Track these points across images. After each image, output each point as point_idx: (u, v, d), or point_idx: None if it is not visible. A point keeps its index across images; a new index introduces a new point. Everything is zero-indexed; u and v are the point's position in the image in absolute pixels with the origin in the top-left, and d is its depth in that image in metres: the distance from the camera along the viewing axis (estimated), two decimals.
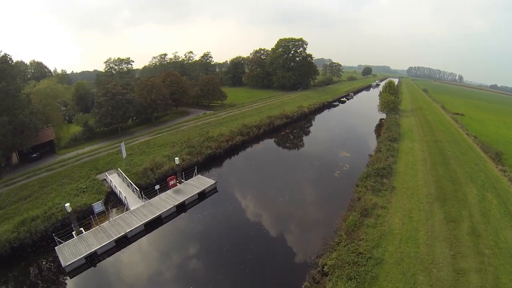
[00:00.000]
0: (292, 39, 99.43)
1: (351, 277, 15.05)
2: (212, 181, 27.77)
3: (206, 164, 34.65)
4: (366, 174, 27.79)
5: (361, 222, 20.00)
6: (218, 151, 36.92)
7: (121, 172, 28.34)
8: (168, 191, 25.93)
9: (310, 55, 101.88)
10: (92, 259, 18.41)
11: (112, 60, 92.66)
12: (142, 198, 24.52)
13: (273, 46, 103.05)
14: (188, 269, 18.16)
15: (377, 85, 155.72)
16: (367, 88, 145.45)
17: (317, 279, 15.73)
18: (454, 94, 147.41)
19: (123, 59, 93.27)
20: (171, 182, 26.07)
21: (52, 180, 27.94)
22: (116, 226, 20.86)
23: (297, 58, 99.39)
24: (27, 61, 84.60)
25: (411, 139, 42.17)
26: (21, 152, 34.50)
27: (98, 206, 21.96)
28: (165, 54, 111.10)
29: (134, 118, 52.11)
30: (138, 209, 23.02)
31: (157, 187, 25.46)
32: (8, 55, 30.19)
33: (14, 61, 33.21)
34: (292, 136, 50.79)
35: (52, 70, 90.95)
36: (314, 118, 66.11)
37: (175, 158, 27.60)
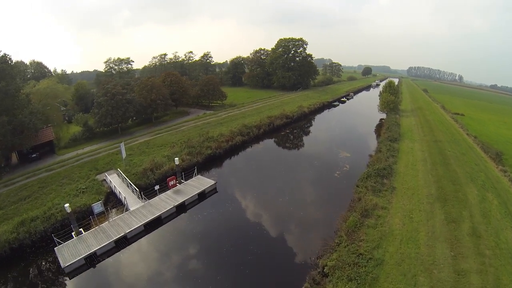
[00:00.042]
0: (292, 39, 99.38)
1: (352, 278, 15.00)
2: (212, 182, 27.72)
3: (206, 164, 34.60)
4: (366, 175, 27.73)
5: (361, 223, 19.95)
6: (218, 151, 36.87)
7: (120, 173, 28.28)
8: (168, 192, 25.88)
9: (310, 55, 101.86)
10: (92, 260, 18.36)
11: (112, 60, 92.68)
12: (142, 198, 24.46)
13: (273, 46, 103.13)
14: (188, 269, 18.10)
15: (377, 85, 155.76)
16: (367, 88, 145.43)
17: (317, 280, 15.68)
18: (454, 94, 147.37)
19: (123, 59, 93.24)
20: (171, 183, 26.01)
21: (52, 181, 27.88)
22: (115, 226, 20.81)
23: (297, 58, 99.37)
24: (27, 61, 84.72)
25: (411, 139, 42.12)
26: (21, 152, 34.43)
27: (97, 207, 21.91)
28: (165, 54, 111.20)
29: (134, 118, 52.04)
30: (137, 210, 22.96)
31: (156, 187, 25.42)
32: (8, 55, 30.14)
33: (13, 61, 33.16)
34: (292, 136, 50.74)
35: (52, 70, 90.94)
36: (314, 118, 66.06)
37: (175, 159, 27.55)
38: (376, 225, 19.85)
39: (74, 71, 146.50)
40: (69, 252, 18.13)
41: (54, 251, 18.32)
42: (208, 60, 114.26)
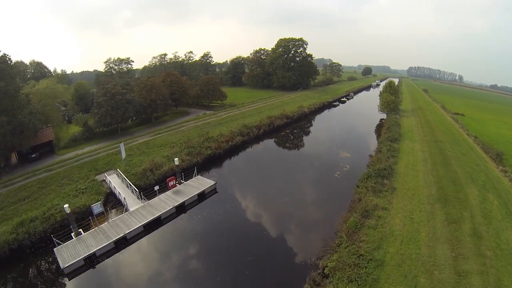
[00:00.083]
0: (292, 39, 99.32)
1: (352, 279, 14.93)
2: (212, 182, 27.65)
3: (206, 164, 34.53)
4: (366, 175, 27.66)
5: (362, 224, 19.88)
6: (218, 151, 36.80)
7: (120, 173, 28.21)
8: (168, 192, 25.81)
9: (310, 55, 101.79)
10: (91, 261, 18.29)
11: (112, 60, 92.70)
12: (142, 199, 24.39)
13: (273, 46, 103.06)
14: (188, 270, 18.03)
15: (377, 85, 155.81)
16: (367, 88, 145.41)
17: (318, 281, 15.62)
18: (454, 94, 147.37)
19: (123, 59, 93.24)
20: (171, 183, 25.94)
21: (51, 181, 27.81)
22: (115, 227, 20.74)
23: (297, 58, 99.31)
24: (27, 61, 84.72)
25: (412, 139, 42.06)
26: (21, 153, 34.36)
27: (97, 207, 21.86)
28: (165, 54, 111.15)
29: (134, 118, 51.94)
30: (137, 210, 22.90)
31: (156, 188, 25.34)
32: (7, 55, 30.08)
33: (13, 61, 33.09)
34: (292, 136, 50.67)
35: (52, 70, 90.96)
36: (314, 118, 66.01)
37: (175, 159, 27.49)
38: (377, 226, 19.78)
39: (74, 71, 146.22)
40: (68, 253, 18.06)
41: (54, 251, 18.27)
42: (208, 60, 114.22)
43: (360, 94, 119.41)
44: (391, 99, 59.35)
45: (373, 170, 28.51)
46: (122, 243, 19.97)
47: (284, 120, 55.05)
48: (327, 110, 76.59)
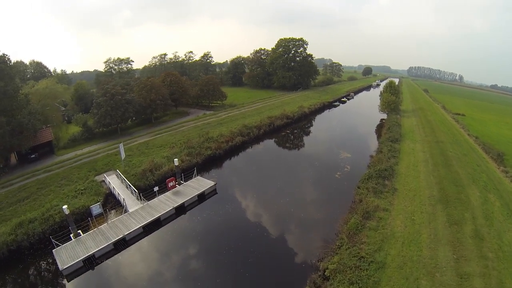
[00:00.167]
0: (292, 39, 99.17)
1: (353, 281, 14.79)
2: (211, 183, 27.52)
3: (206, 165, 34.39)
4: (367, 176, 27.51)
5: (362, 225, 19.74)
6: (218, 152, 36.66)
7: (119, 174, 28.06)
8: (167, 193, 25.67)
9: (310, 55, 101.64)
10: (90, 262, 18.17)
11: (112, 60, 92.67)
12: (141, 200, 24.25)
13: (273, 46, 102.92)
14: (188, 271, 17.90)
15: (378, 85, 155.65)
16: (368, 88, 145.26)
17: (318, 284, 15.49)
18: (455, 94, 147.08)
19: (123, 59, 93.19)
20: (170, 184, 25.81)
21: (51, 182, 27.68)
22: (114, 228, 20.61)
23: (298, 58, 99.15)
24: (26, 61, 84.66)
25: (413, 139, 41.91)
26: (20, 153, 34.21)
27: (96, 208, 21.72)
28: (165, 54, 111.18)
29: (133, 118, 51.78)
30: (136, 211, 22.76)
31: (156, 188, 25.20)
32: (6, 55, 29.89)
33: (13, 61, 33.01)
34: (292, 137, 50.53)
35: (51, 70, 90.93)
36: (314, 118, 65.86)
37: (175, 159, 27.36)
38: (378, 227, 19.64)
39: (74, 71, 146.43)
40: (67, 254, 17.94)
41: (52, 253, 18.14)
42: (208, 60, 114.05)
43: (360, 94, 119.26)
44: (392, 99, 59.21)
45: (374, 170, 28.36)
46: (121, 244, 19.83)
47: (284, 120, 54.91)
48: (328, 110, 76.44)
